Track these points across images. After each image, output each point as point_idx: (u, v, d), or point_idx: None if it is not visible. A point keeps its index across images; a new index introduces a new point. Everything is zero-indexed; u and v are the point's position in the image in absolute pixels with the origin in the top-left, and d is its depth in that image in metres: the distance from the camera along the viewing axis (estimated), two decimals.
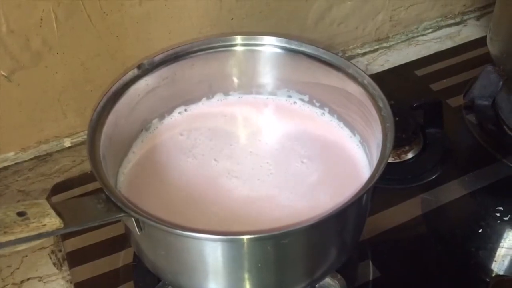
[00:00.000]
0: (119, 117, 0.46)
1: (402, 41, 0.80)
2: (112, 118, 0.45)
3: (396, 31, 0.80)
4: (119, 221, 0.40)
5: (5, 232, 0.32)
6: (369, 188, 0.39)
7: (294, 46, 0.50)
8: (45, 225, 0.34)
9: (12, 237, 0.33)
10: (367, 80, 0.47)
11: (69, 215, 0.36)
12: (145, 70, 0.48)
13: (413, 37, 0.80)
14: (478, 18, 0.83)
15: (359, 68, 0.48)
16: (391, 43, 0.79)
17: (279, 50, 0.51)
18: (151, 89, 0.49)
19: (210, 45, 0.51)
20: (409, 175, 0.60)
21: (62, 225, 0.35)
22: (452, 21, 0.83)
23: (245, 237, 0.37)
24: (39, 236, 0.33)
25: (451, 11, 0.83)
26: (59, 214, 0.35)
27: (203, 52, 0.51)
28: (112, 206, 0.38)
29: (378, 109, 0.45)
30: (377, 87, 0.46)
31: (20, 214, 0.34)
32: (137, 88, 0.48)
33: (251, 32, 0.66)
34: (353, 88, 0.48)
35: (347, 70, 0.48)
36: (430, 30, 0.81)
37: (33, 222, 0.33)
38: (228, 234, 0.38)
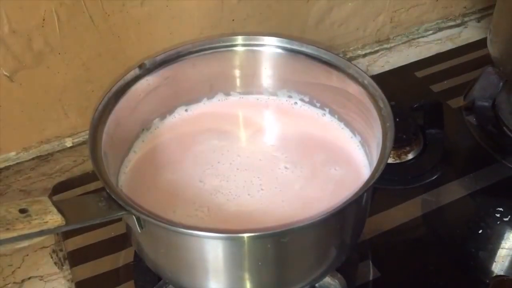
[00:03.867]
0: (120, 117, 0.47)
1: (402, 43, 0.80)
2: (114, 118, 0.45)
3: (396, 33, 0.80)
4: (120, 219, 0.40)
5: (7, 229, 0.33)
6: (369, 187, 0.40)
7: (295, 46, 0.51)
8: (47, 222, 0.34)
9: (14, 234, 0.33)
10: (368, 80, 0.47)
11: (70, 212, 0.36)
12: (146, 69, 0.49)
13: (413, 39, 0.80)
14: (478, 20, 0.83)
15: (359, 68, 0.48)
16: (392, 45, 0.80)
17: (280, 51, 0.51)
18: (152, 89, 0.50)
19: (211, 45, 0.51)
20: (409, 175, 0.60)
21: (64, 222, 0.35)
22: (452, 23, 0.83)
23: (246, 235, 0.37)
24: (41, 233, 0.34)
25: (451, 12, 0.83)
26: (60, 211, 0.35)
27: (204, 52, 0.51)
28: (113, 204, 0.38)
29: (379, 109, 0.45)
30: (377, 87, 0.46)
31: (22, 211, 0.34)
32: (138, 88, 0.48)
33: (252, 32, 0.66)
34: (353, 88, 0.48)
35: (348, 71, 0.49)
36: (430, 31, 0.81)
37: (35, 219, 0.34)
38: (228, 232, 0.38)
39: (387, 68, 0.76)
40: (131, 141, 0.50)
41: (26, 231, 0.33)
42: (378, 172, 0.40)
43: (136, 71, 0.48)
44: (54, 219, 0.34)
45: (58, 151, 0.66)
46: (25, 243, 0.34)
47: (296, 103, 0.54)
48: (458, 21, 0.83)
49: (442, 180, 0.60)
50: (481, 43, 0.74)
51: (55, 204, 0.35)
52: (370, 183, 0.39)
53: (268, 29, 0.69)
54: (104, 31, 0.60)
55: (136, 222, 0.39)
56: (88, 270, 0.53)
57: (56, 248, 0.56)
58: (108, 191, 0.38)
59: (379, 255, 0.53)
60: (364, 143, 0.50)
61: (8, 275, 0.54)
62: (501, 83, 0.65)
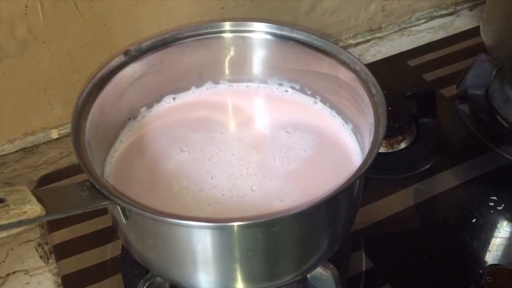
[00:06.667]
0: (105, 105, 0.45)
1: (394, 32, 0.79)
2: (98, 105, 0.44)
3: (388, 22, 0.79)
4: (104, 209, 0.39)
5: None
6: (361, 174, 0.39)
7: (285, 32, 0.49)
8: (25, 212, 0.32)
9: None
10: (359, 66, 0.46)
11: (51, 202, 0.35)
12: (132, 56, 0.47)
13: (405, 28, 0.80)
14: (471, 9, 0.83)
15: (351, 54, 0.47)
16: (384, 34, 0.79)
17: (269, 37, 0.50)
18: (139, 77, 0.48)
19: (199, 32, 0.50)
20: (402, 165, 0.60)
21: (44, 212, 0.34)
22: (445, 12, 0.82)
23: (235, 224, 0.36)
24: (19, 223, 0.32)
25: (443, 1, 0.82)
26: (40, 201, 0.34)
27: (192, 38, 0.50)
28: (97, 193, 0.37)
29: (371, 95, 0.44)
30: (369, 73, 0.45)
31: None
32: (124, 75, 0.47)
33: (242, 18, 0.65)
34: (345, 74, 0.47)
35: (339, 56, 0.47)
36: (423, 20, 0.81)
37: (13, 209, 0.32)
38: (217, 221, 0.37)
39: (379, 57, 0.75)
40: (117, 130, 0.49)
41: (3, 222, 0.32)
42: (371, 159, 0.39)
43: (121, 58, 0.47)
44: (34, 208, 0.33)
45: (44, 143, 0.64)
46: (3, 234, 0.32)
47: (286, 90, 0.53)
48: (451, 10, 0.83)
49: (435, 169, 0.60)
50: (473, 32, 0.74)
51: (34, 193, 0.34)
52: (363, 169, 0.38)
53: (258, 17, 0.68)
54: (89, 19, 0.58)
55: (121, 213, 0.38)
56: (74, 263, 0.52)
57: (42, 242, 0.55)
58: (90, 179, 0.37)
59: (371, 246, 0.53)
60: (356, 131, 0.49)
61: None
62: (494, 72, 0.65)
